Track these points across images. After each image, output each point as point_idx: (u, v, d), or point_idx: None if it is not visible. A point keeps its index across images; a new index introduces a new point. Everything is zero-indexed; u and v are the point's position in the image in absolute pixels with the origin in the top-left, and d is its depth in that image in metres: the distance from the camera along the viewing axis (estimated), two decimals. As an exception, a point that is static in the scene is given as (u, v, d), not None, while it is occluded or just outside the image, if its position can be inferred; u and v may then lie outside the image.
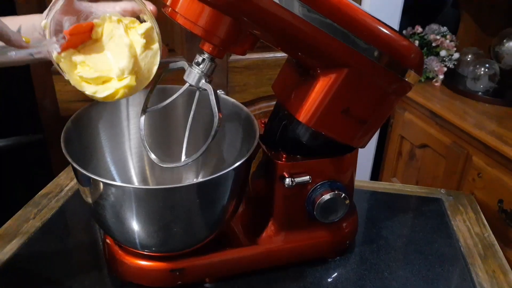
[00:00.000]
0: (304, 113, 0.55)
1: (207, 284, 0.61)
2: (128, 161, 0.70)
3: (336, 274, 0.64)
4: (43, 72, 1.22)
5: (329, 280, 0.63)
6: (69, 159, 0.50)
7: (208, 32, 0.48)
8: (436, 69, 1.48)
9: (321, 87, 0.53)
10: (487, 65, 1.37)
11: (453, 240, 0.72)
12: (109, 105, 0.65)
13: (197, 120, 0.70)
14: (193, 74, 0.52)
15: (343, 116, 0.55)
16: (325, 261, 0.66)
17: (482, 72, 1.37)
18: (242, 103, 0.66)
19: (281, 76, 0.64)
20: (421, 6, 1.61)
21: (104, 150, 0.66)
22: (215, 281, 0.61)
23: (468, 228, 0.76)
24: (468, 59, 1.51)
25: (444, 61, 1.50)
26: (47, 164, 1.32)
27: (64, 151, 0.51)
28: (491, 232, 0.75)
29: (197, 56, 0.52)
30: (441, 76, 1.48)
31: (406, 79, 0.54)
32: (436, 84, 1.49)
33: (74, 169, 0.50)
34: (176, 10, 0.48)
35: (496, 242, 0.73)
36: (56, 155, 1.33)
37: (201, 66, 0.52)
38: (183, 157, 0.59)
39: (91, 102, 0.62)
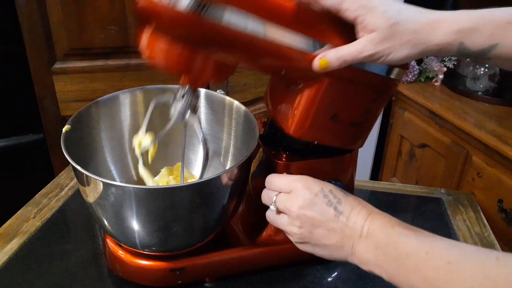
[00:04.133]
0: (293, 127, 0.55)
1: (207, 283, 0.61)
2: (128, 161, 0.70)
3: (336, 273, 0.64)
4: (43, 72, 1.23)
5: (329, 279, 0.63)
6: (69, 159, 0.50)
7: (184, 71, 0.49)
8: (436, 69, 1.49)
9: (305, 99, 0.53)
10: (486, 65, 1.37)
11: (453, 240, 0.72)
12: (109, 105, 0.65)
13: (198, 124, 0.71)
14: (178, 110, 0.53)
15: (332, 123, 0.55)
16: (325, 260, 0.66)
17: (481, 72, 1.37)
18: (242, 103, 0.66)
19: (269, 89, 0.64)
20: (420, 6, 1.61)
21: (104, 150, 0.66)
22: (215, 280, 0.61)
23: (468, 227, 0.76)
24: (468, 59, 1.51)
25: (444, 61, 1.50)
26: (47, 164, 1.32)
27: (64, 151, 0.51)
28: (491, 231, 0.75)
29: (179, 90, 0.53)
30: (441, 76, 1.48)
31: (391, 77, 0.53)
32: (436, 84, 1.49)
33: (74, 169, 0.50)
34: (151, 54, 0.48)
35: (496, 242, 0.73)
36: (56, 154, 1.33)
37: (184, 98, 0.53)
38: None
39: (91, 102, 0.62)
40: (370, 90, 0.54)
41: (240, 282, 0.62)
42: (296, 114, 0.54)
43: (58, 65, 1.23)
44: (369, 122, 0.58)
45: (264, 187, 0.56)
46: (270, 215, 0.53)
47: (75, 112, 0.60)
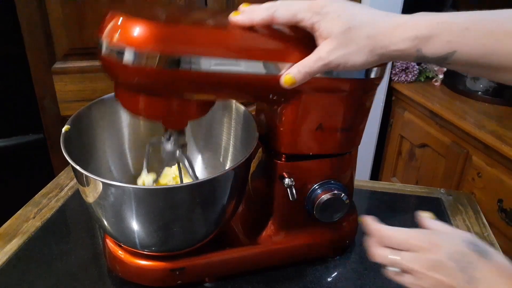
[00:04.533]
0: (282, 145, 0.56)
1: (207, 283, 0.61)
2: (128, 161, 0.70)
3: (336, 273, 0.64)
4: (43, 72, 1.23)
5: (329, 279, 0.63)
6: (69, 159, 0.50)
7: (163, 118, 0.51)
8: (435, 68, 1.49)
9: (286, 116, 0.54)
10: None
11: (452, 240, 0.72)
12: (109, 105, 0.65)
13: (198, 130, 0.71)
14: (167, 151, 0.56)
15: (320, 133, 0.55)
16: (325, 260, 0.66)
17: (481, 72, 1.37)
18: (242, 103, 0.66)
19: (256, 110, 0.64)
20: (420, 6, 1.61)
21: (104, 150, 0.66)
22: (215, 280, 0.61)
23: (468, 227, 0.76)
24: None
25: (444, 60, 1.50)
26: (47, 164, 1.32)
27: (63, 151, 0.51)
28: (490, 231, 0.75)
29: (164, 134, 0.56)
30: (441, 76, 1.48)
31: (372, 77, 0.53)
32: (436, 83, 1.49)
33: (74, 169, 0.50)
34: (128, 107, 0.51)
35: (496, 242, 0.73)
36: (56, 154, 1.33)
37: (171, 140, 0.56)
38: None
39: (91, 102, 0.62)
40: (350, 95, 0.54)
41: (240, 282, 0.62)
42: (281, 132, 0.55)
43: (58, 65, 1.23)
44: (359, 124, 0.58)
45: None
46: (391, 275, 0.45)
47: (75, 112, 0.60)
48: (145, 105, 0.49)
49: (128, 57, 0.43)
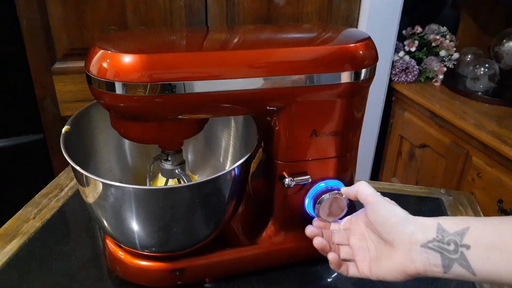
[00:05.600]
0: (278, 154, 0.56)
1: (207, 284, 0.61)
2: (128, 161, 0.70)
3: (336, 273, 0.64)
4: (43, 72, 1.23)
5: (329, 280, 0.63)
6: (68, 159, 0.50)
7: (157, 141, 0.55)
8: (435, 69, 1.49)
9: (279, 126, 0.55)
10: (486, 65, 1.37)
11: None
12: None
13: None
14: (166, 170, 0.59)
15: (315, 139, 0.55)
16: (325, 260, 0.66)
17: (481, 72, 1.38)
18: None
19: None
20: (421, 6, 1.61)
21: (104, 150, 0.66)
22: (215, 281, 0.61)
23: (468, 228, 0.76)
24: (468, 59, 1.51)
25: (444, 61, 1.50)
26: (47, 164, 1.32)
27: (63, 151, 0.51)
28: (490, 232, 0.75)
29: (161, 154, 0.58)
30: (441, 76, 1.48)
31: (361, 79, 0.53)
32: (436, 84, 1.49)
33: (74, 170, 0.50)
34: (123, 133, 0.53)
35: (495, 242, 0.73)
36: (56, 155, 1.33)
37: (169, 159, 0.58)
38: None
39: (91, 102, 0.62)
40: (341, 99, 0.54)
41: (240, 282, 0.62)
42: (276, 142, 0.56)
43: (58, 65, 1.23)
44: (354, 127, 0.58)
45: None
46: None
47: (75, 112, 0.60)
48: (140, 131, 0.51)
49: (118, 89, 0.44)
